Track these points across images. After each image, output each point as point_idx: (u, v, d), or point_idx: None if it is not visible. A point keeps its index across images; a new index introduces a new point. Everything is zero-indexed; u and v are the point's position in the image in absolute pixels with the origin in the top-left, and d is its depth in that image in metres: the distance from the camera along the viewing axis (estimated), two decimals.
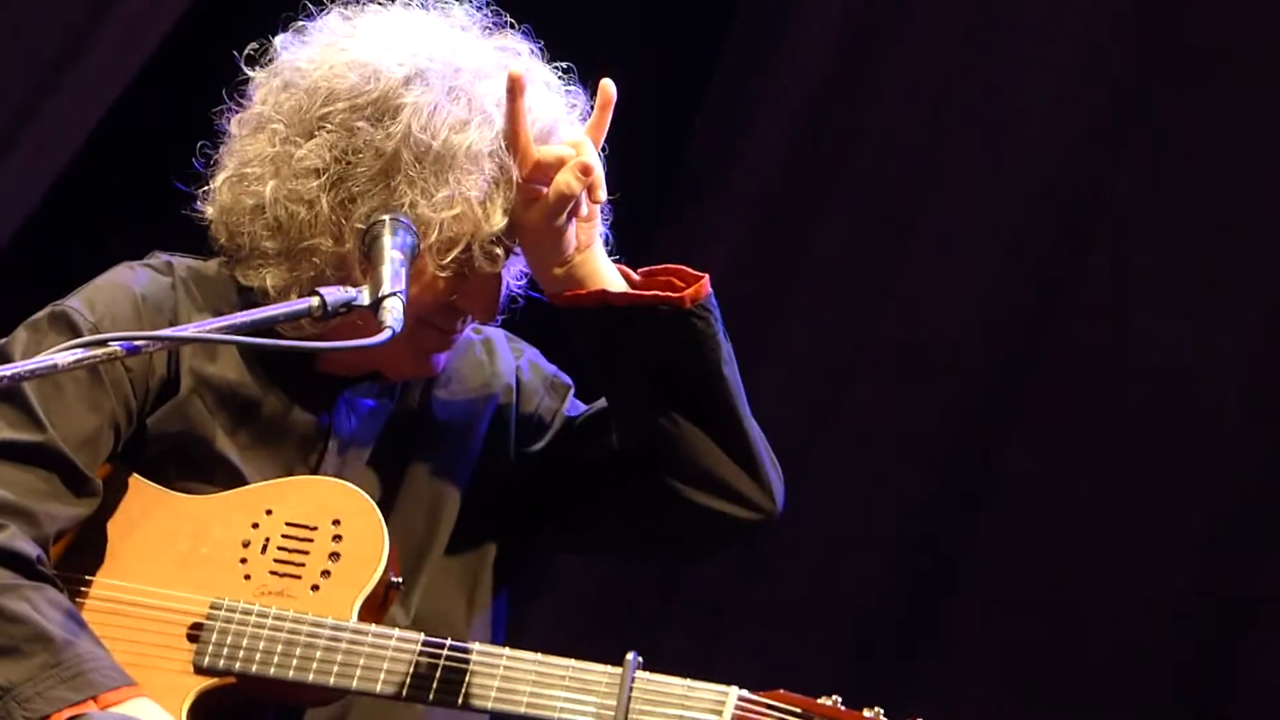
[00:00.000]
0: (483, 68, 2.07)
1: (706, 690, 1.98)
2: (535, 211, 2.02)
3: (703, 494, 2.10)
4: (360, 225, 1.98)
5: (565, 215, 2.02)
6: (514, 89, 2.03)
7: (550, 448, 2.23)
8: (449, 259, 2.03)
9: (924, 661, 3.56)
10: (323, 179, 2.04)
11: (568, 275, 2.05)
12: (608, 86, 2.09)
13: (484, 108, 2.04)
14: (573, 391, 2.30)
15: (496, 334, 2.27)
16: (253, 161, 2.08)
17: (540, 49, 2.18)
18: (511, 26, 2.18)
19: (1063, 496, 3.61)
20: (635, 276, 2.14)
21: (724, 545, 2.22)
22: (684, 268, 2.14)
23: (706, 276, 2.10)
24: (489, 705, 2.06)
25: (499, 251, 2.06)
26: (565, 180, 2.02)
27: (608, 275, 2.08)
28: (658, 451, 2.11)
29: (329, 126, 2.04)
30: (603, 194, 2.09)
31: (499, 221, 2.05)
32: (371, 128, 2.02)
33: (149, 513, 2.15)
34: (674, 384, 2.11)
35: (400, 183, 2.01)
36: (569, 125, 2.15)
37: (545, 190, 2.02)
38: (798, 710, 1.93)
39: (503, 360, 2.25)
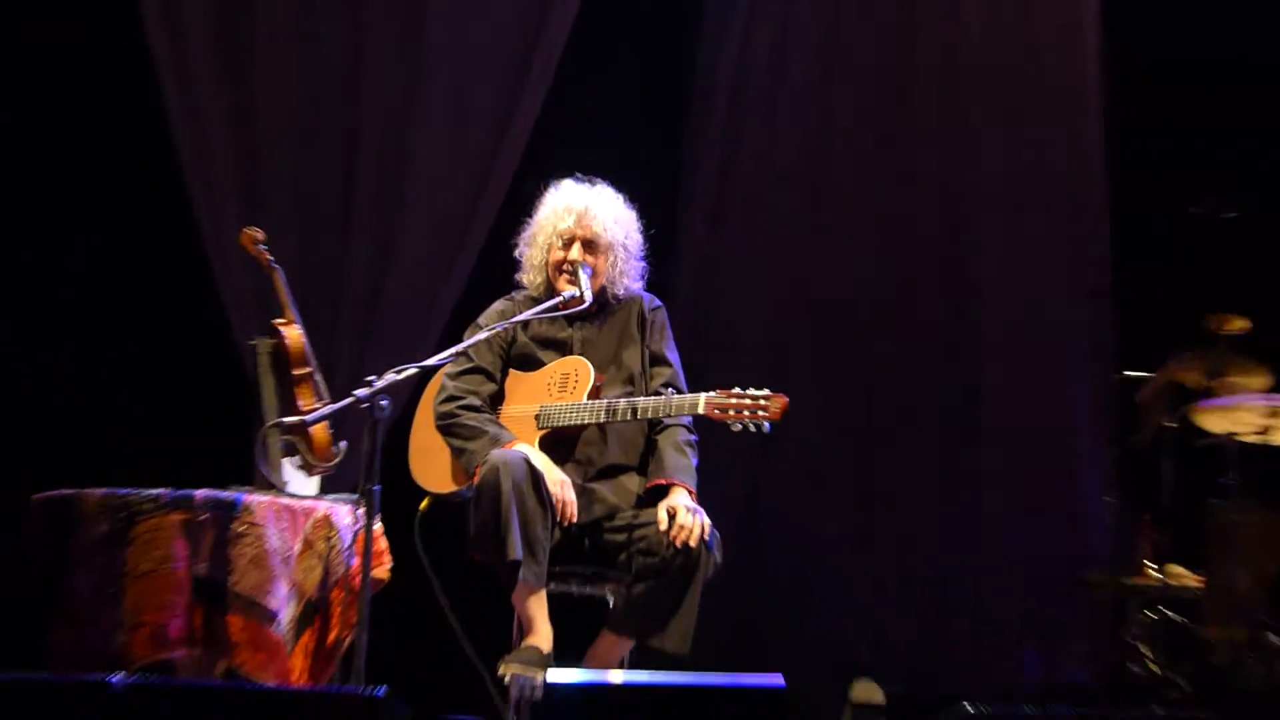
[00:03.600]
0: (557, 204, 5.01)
1: (693, 395, 4.67)
2: None
3: None
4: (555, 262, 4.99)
5: None
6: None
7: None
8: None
9: None
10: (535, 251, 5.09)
11: None
12: None
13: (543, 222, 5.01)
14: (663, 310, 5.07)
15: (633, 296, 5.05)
16: (524, 244, 5.11)
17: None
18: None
19: None
20: None
21: None
22: None
23: None
24: (647, 416, 4.66)
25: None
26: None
27: None
28: None
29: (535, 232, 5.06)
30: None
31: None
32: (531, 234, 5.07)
33: (519, 383, 4.92)
34: None
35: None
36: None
37: None
38: (734, 393, 4.53)
39: (639, 302, 5.03)
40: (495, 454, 4.64)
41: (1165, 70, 6.90)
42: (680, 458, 4.83)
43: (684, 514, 4.60)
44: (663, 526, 4.62)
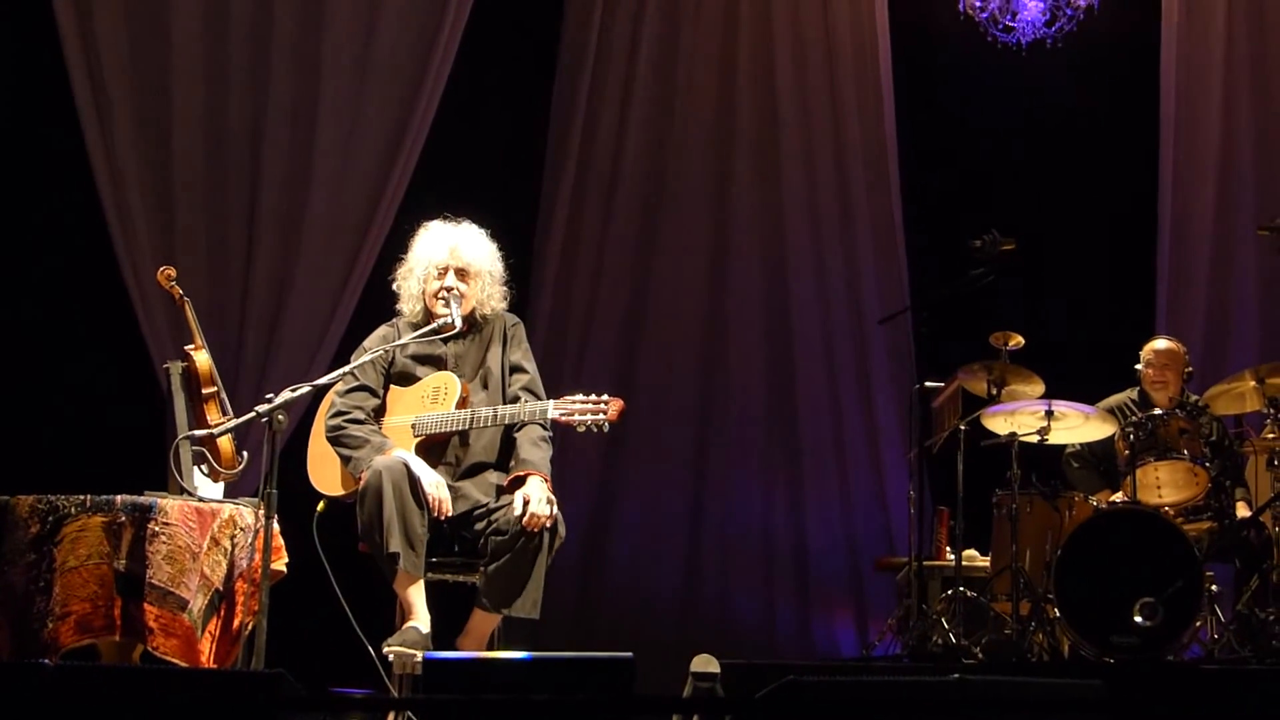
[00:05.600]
0: (430, 240, 5.61)
1: (544, 402, 5.37)
2: None
3: None
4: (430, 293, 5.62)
5: None
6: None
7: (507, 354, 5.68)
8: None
9: None
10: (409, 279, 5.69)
11: None
12: None
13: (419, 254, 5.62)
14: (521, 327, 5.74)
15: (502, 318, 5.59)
16: (400, 277, 5.76)
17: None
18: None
19: None
20: None
21: None
22: None
23: None
24: (505, 421, 5.26)
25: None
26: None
27: None
28: None
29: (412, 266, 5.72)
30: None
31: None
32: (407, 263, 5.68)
33: (398, 397, 5.50)
34: None
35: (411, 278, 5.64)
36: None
37: None
38: (578, 398, 5.26)
39: (503, 319, 5.61)
40: (377, 460, 5.20)
41: (946, 129, 7.81)
42: (536, 450, 5.36)
43: (536, 502, 5.12)
44: (517, 512, 5.11)
